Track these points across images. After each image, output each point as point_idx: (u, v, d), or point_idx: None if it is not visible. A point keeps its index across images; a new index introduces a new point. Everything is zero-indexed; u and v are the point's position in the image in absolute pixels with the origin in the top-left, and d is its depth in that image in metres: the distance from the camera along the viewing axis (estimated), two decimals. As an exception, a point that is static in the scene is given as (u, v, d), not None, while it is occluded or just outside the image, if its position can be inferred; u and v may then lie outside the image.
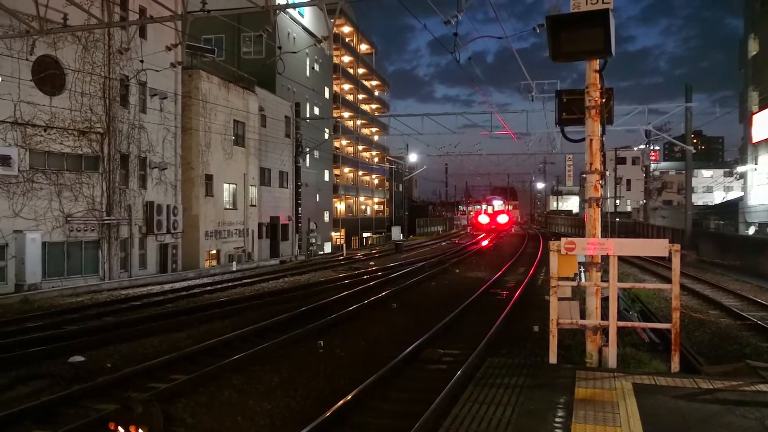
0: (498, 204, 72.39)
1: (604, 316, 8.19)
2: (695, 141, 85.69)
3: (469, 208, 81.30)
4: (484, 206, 71.45)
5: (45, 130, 20.95)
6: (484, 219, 69.22)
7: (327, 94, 51.42)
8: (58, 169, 21.58)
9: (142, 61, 22.92)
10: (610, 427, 5.41)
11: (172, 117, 27.31)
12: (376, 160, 72.89)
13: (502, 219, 68.66)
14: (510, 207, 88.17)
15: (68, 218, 21.76)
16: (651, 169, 62.86)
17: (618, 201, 59.50)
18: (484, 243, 49.14)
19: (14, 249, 19.84)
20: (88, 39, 22.25)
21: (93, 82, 22.48)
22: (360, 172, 65.78)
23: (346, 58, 60.67)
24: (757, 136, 35.51)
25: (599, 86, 8.14)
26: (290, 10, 39.24)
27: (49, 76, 21.04)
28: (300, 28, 43.03)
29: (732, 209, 43.65)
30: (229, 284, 21.22)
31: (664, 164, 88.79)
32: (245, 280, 22.69)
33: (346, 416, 7.40)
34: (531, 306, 16.15)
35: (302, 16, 43.37)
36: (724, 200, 62.95)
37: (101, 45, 22.80)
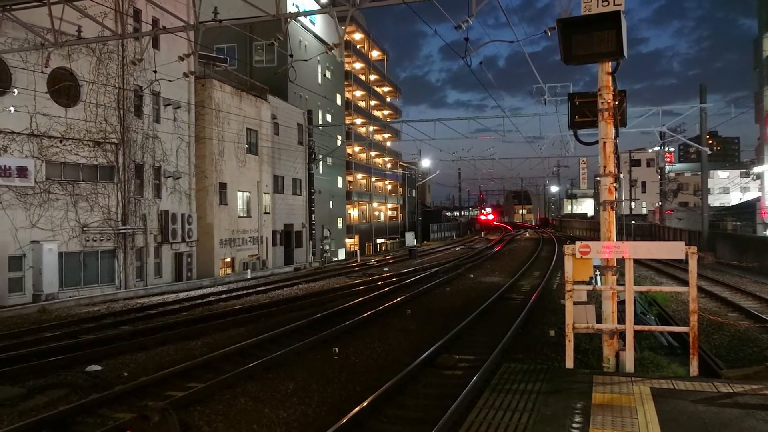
0: (489, 209, 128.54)
1: (621, 320, 8.11)
2: (710, 142, 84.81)
3: (479, 212, 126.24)
4: (483, 211, 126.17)
5: (61, 141, 21.19)
6: (483, 218, 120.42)
7: (339, 101, 51.57)
8: (73, 179, 21.80)
9: (155, 72, 23.16)
10: (629, 433, 5.35)
11: (185, 126, 27.52)
12: (389, 166, 72.97)
13: (490, 217, 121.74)
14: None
15: (84, 228, 21.97)
16: (666, 171, 62.37)
17: (633, 203, 59.01)
18: (498, 248, 48.97)
19: (31, 259, 20.05)
20: (102, 51, 22.52)
21: (107, 93, 22.73)
22: (373, 178, 65.82)
23: (358, 65, 60.83)
24: (773, 135, 35.14)
25: (612, 88, 8.09)
26: (301, 18, 39.44)
27: (64, 88, 21.31)
28: (311, 36, 43.24)
29: (749, 210, 43.15)
30: (244, 292, 21.28)
31: (679, 166, 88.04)
32: (260, 288, 22.74)
33: (362, 423, 7.38)
34: (546, 310, 16.04)
35: (313, 23, 43.58)
36: (741, 201, 62.23)
37: (115, 56, 23.07)
